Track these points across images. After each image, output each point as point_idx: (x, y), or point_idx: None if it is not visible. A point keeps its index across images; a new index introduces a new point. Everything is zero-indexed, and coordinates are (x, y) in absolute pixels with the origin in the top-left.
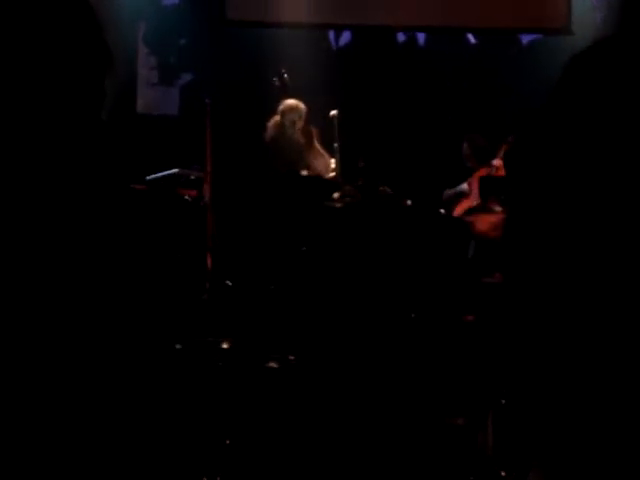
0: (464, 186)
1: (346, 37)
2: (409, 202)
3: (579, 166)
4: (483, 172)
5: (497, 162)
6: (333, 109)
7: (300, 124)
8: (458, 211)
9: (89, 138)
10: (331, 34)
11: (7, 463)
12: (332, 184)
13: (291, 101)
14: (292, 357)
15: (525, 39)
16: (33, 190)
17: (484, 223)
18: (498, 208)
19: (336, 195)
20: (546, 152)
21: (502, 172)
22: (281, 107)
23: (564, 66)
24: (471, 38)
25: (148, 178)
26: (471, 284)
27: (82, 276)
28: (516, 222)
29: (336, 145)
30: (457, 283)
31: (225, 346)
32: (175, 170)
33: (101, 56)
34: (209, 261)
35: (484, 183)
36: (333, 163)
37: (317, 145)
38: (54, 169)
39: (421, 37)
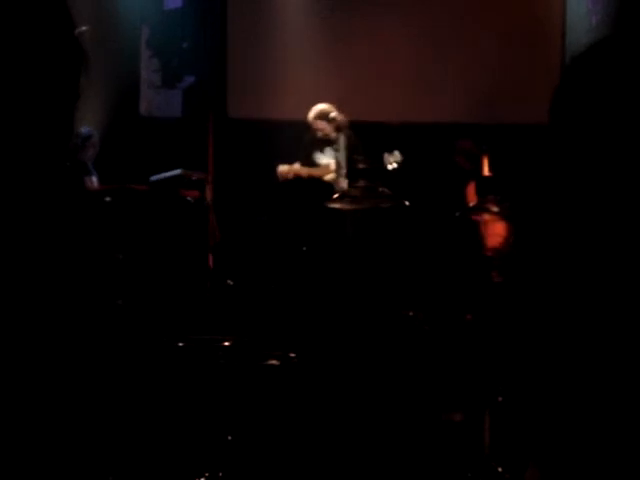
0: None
1: None
2: (407, 203)
3: (586, 169)
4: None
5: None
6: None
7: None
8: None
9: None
10: None
11: (6, 462)
12: (331, 185)
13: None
14: (293, 355)
15: None
16: None
17: (493, 237)
18: (495, 208)
19: (336, 195)
20: (552, 157)
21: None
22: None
23: (565, 68)
24: None
25: (151, 179)
26: (470, 283)
27: (76, 275)
28: (529, 228)
29: (336, 146)
30: (456, 282)
31: (227, 344)
32: (178, 171)
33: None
34: (210, 260)
35: (481, 183)
36: (332, 165)
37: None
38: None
39: None
